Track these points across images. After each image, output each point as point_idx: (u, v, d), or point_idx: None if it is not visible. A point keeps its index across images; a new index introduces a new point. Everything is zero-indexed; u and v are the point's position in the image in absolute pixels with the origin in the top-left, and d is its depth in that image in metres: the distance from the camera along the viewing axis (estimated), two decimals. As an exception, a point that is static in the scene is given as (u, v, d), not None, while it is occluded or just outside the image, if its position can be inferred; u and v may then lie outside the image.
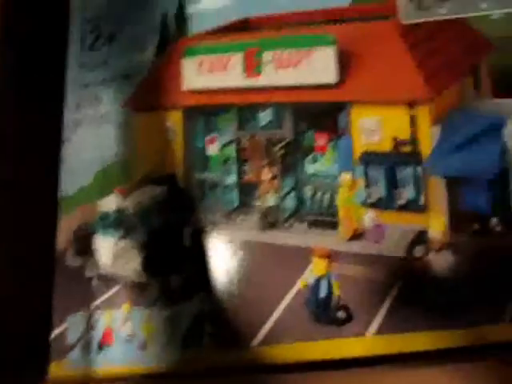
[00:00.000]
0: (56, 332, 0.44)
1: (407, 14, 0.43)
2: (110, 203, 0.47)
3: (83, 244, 0.46)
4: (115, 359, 0.42)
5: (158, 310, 0.43)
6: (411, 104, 0.43)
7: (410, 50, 0.44)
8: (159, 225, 0.46)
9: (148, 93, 0.51)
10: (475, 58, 0.44)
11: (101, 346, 0.42)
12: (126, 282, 0.44)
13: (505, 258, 0.38)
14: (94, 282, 0.45)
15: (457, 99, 0.44)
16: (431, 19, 0.43)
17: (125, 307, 0.43)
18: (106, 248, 0.46)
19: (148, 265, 0.45)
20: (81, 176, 0.50)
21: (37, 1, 0.50)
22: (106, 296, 0.44)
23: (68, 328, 0.43)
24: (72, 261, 0.46)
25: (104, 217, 0.46)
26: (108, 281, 0.45)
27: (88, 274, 0.46)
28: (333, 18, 0.48)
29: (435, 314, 0.37)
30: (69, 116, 0.53)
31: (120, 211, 0.46)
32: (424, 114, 0.42)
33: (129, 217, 0.46)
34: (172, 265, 0.44)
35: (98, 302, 0.44)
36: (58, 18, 0.52)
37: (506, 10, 0.42)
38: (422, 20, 0.43)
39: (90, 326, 0.43)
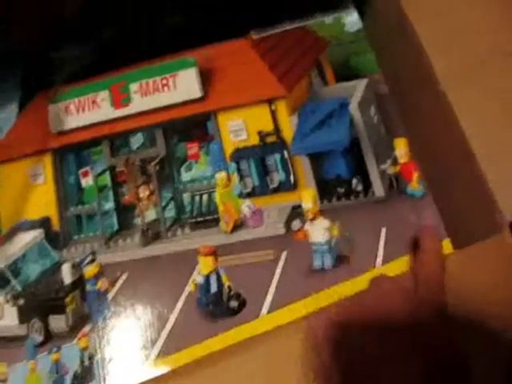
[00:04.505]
0: None
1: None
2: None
3: None
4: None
5: (42, 357, 0.37)
6: (269, 101, 0.46)
7: (262, 58, 0.48)
8: (35, 270, 0.42)
9: (14, 144, 0.50)
10: (315, 55, 0.49)
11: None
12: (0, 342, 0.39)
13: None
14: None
15: (307, 90, 0.48)
16: (277, 31, 0.48)
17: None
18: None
19: (25, 315, 0.40)
20: None
21: None
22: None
23: None
24: None
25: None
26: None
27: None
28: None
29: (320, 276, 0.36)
30: None
31: (-12, 269, 0.42)
32: (282, 108, 0.45)
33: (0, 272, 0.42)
34: (52, 306, 0.40)
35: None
36: None
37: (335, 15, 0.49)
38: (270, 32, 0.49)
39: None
